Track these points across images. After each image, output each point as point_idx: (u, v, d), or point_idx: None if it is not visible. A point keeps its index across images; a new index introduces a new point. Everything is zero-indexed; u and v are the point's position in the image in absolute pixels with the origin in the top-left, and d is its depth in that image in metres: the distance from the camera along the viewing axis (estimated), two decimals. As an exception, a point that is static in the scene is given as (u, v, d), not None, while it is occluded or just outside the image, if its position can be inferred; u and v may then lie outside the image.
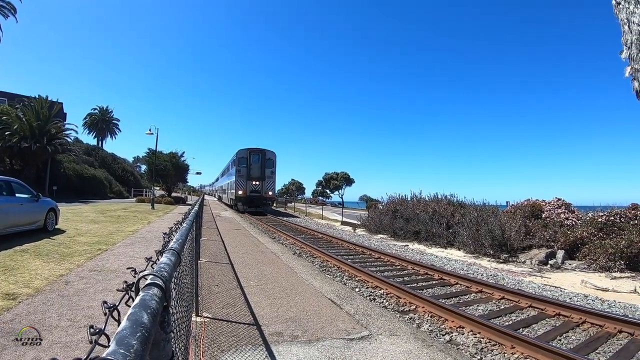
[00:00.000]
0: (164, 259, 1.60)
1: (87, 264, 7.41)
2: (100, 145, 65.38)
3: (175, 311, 1.84)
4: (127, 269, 1.56)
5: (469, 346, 4.85)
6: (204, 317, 4.75)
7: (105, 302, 0.95)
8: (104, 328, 0.85)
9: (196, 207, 7.94)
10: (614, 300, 7.50)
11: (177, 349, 1.78)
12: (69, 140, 38.20)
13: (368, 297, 6.83)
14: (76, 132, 44.14)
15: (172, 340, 1.60)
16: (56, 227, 12.06)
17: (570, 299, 7.43)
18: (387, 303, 6.66)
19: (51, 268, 6.83)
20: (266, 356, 3.75)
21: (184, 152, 47.07)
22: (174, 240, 2.15)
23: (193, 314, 4.52)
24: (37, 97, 34.28)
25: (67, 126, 37.69)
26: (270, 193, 31.08)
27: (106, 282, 6.10)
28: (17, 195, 10.17)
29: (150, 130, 30.01)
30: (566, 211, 15.32)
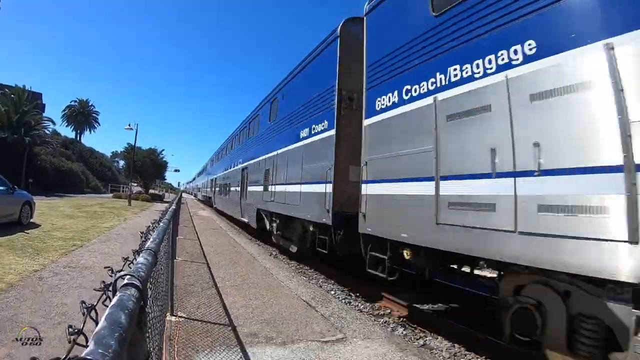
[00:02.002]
0: (140, 259, 1.63)
1: (61, 259, 7.28)
2: (78, 139, 63.90)
3: (150, 311, 1.87)
4: (105, 267, 1.58)
5: (442, 350, 4.92)
6: (179, 316, 4.73)
7: (83, 302, 0.99)
8: (82, 328, 0.89)
9: (173, 206, 7.89)
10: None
11: (152, 349, 1.80)
12: (47, 132, 37.34)
13: (344, 300, 6.87)
14: (54, 124, 43.15)
15: (147, 339, 1.62)
16: (31, 221, 11.81)
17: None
18: (362, 306, 6.72)
19: (25, 263, 6.70)
20: (241, 357, 3.76)
21: (163, 150, 46.83)
22: (151, 239, 2.16)
23: (168, 314, 4.50)
24: (15, 86, 33.42)
25: (44, 118, 36.84)
26: None
27: (81, 279, 6.01)
28: (-9, 187, 9.96)
29: (129, 125, 29.52)
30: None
